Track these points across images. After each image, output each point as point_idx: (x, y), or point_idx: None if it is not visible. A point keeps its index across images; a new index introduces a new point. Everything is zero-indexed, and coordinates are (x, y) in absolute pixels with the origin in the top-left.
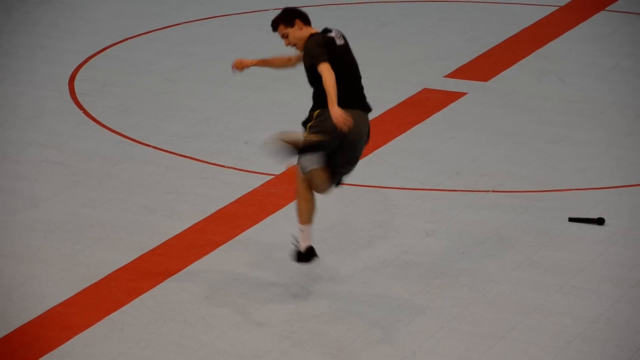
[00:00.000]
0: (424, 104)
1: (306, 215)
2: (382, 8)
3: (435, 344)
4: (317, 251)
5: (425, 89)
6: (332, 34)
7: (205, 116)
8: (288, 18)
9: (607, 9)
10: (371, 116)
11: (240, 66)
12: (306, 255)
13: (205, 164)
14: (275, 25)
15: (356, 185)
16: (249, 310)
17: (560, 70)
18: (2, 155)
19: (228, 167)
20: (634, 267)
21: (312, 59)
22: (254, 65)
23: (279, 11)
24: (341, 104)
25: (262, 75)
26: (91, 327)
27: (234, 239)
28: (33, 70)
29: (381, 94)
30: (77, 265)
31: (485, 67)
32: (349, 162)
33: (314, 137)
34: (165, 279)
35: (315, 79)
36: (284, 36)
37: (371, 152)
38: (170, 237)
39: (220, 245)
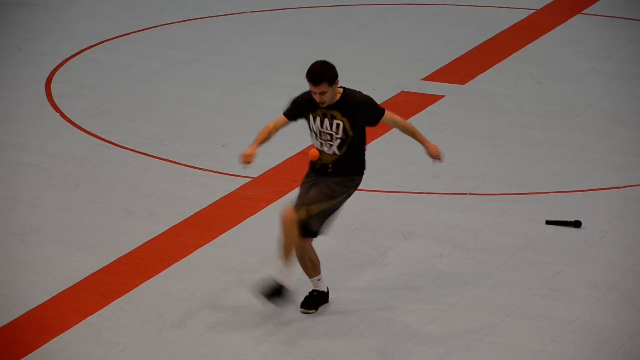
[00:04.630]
0: (401, 107)
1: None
2: (360, 11)
3: (412, 347)
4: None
5: (402, 91)
6: None
7: (183, 119)
8: (333, 78)
9: (583, 12)
10: None
11: (249, 159)
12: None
13: (183, 166)
14: (318, 81)
15: None
16: (227, 313)
17: (537, 73)
18: None
19: (206, 170)
20: (610, 269)
21: (378, 112)
22: (256, 149)
23: (320, 65)
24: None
25: (239, 77)
26: (68, 330)
27: (211, 242)
28: (9, 72)
29: None
30: (53, 268)
31: (462, 70)
32: None
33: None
34: (143, 282)
35: (359, 139)
36: (322, 93)
37: None
38: (147, 239)
39: (198, 248)
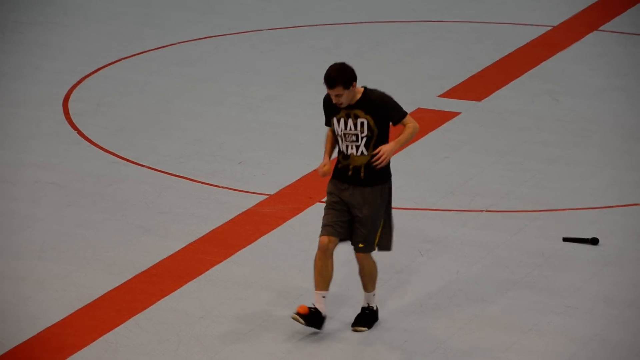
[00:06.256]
0: (417, 124)
1: None
2: (376, 28)
3: None
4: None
5: (419, 108)
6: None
7: (199, 136)
8: (348, 81)
9: (599, 29)
10: None
11: (327, 169)
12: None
13: (200, 184)
14: (333, 85)
15: None
16: (243, 330)
17: (553, 90)
18: None
19: (222, 187)
20: (627, 287)
21: (400, 113)
22: (329, 159)
23: (336, 68)
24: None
25: (255, 95)
26: (85, 348)
27: (228, 259)
28: (27, 91)
29: None
30: (70, 285)
31: (478, 86)
32: None
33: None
34: (159, 299)
35: (384, 137)
36: (338, 96)
37: None
38: (164, 257)
39: (214, 265)
